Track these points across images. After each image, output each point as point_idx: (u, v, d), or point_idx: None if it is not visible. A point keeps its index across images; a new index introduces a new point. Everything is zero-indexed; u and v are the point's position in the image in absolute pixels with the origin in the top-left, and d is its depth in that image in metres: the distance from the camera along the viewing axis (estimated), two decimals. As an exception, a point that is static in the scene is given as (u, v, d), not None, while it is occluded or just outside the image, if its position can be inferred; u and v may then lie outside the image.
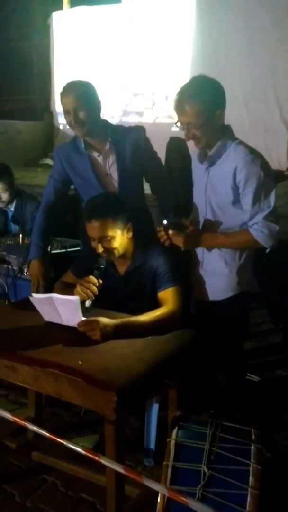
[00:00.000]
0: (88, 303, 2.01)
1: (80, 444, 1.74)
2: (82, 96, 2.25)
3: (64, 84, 2.34)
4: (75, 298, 1.88)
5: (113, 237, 2.05)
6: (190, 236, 2.01)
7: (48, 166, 7.26)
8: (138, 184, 2.52)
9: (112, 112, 6.79)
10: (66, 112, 2.30)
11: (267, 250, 1.97)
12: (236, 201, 1.97)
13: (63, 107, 2.32)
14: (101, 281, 2.04)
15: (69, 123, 2.32)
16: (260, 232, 1.92)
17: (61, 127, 8.06)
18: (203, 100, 1.90)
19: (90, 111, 2.27)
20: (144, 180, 2.57)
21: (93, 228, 2.05)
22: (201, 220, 2.11)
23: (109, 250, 2.06)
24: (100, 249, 2.06)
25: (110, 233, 2.04)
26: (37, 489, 2.09)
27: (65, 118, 2.34)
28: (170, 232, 2.02)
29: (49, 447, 2.24)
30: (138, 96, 7.24)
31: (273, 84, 5.71)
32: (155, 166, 2.57)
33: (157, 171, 2.59)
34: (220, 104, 1.95)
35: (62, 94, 2.30)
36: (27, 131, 8.06)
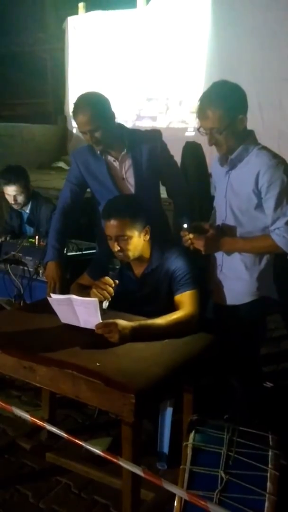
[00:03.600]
0: (105, 304, 2.02)
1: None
2: (96, 117, 2.22)
3: (76, 100, 2.29)
4: (94, 300, 1.89)
5: (130, 237, 2.06)
6: (210, 240, 2.02)
7: (62, 169, 7.30)
8: (154, 188, 2.53)
9: (125, 116, 6.80)
10: (81, 132, 2.30)
11: None
12: (258, 205, 1.97)
13: (77, 126, 2.31)
14: (117, 282, 2.05)
15: (85, 139, 2.32)
16: (282, 237, 1.91)
17: (74, 130, 8.10)
18: (225, 105, 1.91)
19: (105, 130, 2.26)
20: (160, 184, 2.58)
21: (111, 226, 2.07)
22: (220, 224, 2.11)
23: (124, 250, 2.07)
24: (116, 248, 2.07)
25: (128, 233, 2.05)
26: (50, 491, 2.10)
27: (81, 134, 2.33)
28: (191, 235, 2.03)
29: (63, 448, 2.25)
30: (152, 100, 7.25)
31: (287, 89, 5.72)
32: (171, 169, 2.57)
33: (174, 174, 2.59)
34: (242, 108, 1.96)
35: (74, 113, 2.27)
36: (41, 135, 8.12)
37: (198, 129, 2.00)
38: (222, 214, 2.11)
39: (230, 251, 2.08)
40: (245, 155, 1.99)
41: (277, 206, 1.91)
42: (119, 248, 2.07)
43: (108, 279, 2.05)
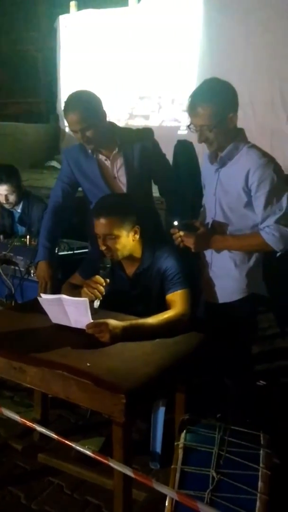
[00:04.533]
0: (96, 303, 2.01)
1: (86, 446, 1.73)
2: (87, 117, 2.20)
3: (66, 98, 2.26)
4: (84, 299, 1.88)
5: (117, 237, 2.05)
6: (200, 238, 2.02)
7: (54, 168, 7.26)
8: (146, 187, 2.52)
9: (118, 115, 6.78)
10: (72, 130, 2.28)
11: (278, 254, 1.97)
12: (247, 203, 1.97)
13: (68, 125, 2.29)
14: (108, 280, 2.04)
15: (77, 138, 2.31)
16: (271, 235, 1.91)
17: (66, 129, 8.05)
18: (216, 103, 1.90)
19: (96, 128, 2.24)
20: (152, 182, 2.57)
21: (100, 225, 2.06)
22: (210, 222, 2.10)
23: (111, 250, 2.07)
24: (103, 247, 2.07)
25: (116, 232, 2.04)
26: (42, 492, 2.09)
27: (72, 133, 2.31)
28: (181, 233, 2.03)
29: (55, 449, 2.24)
30: (145, 99, 7.23)
31: (279, 88, 5.70)
32: (163, 168, 2.57)
33: (166, 173, 2.59)
34: (232, 106, 1.95)
35: (65, 112, 2.24)
36: (33, 134, 8.08)
37: (188, 126, 1.99)
38: (211, 212, 2.10)
39: (220, 249, 2.08)
40: (235, 153, 1.99)
41: (267, 204, 1.91)
42: (105, 247, 2.06)
43: (99, 278, 2.04)
